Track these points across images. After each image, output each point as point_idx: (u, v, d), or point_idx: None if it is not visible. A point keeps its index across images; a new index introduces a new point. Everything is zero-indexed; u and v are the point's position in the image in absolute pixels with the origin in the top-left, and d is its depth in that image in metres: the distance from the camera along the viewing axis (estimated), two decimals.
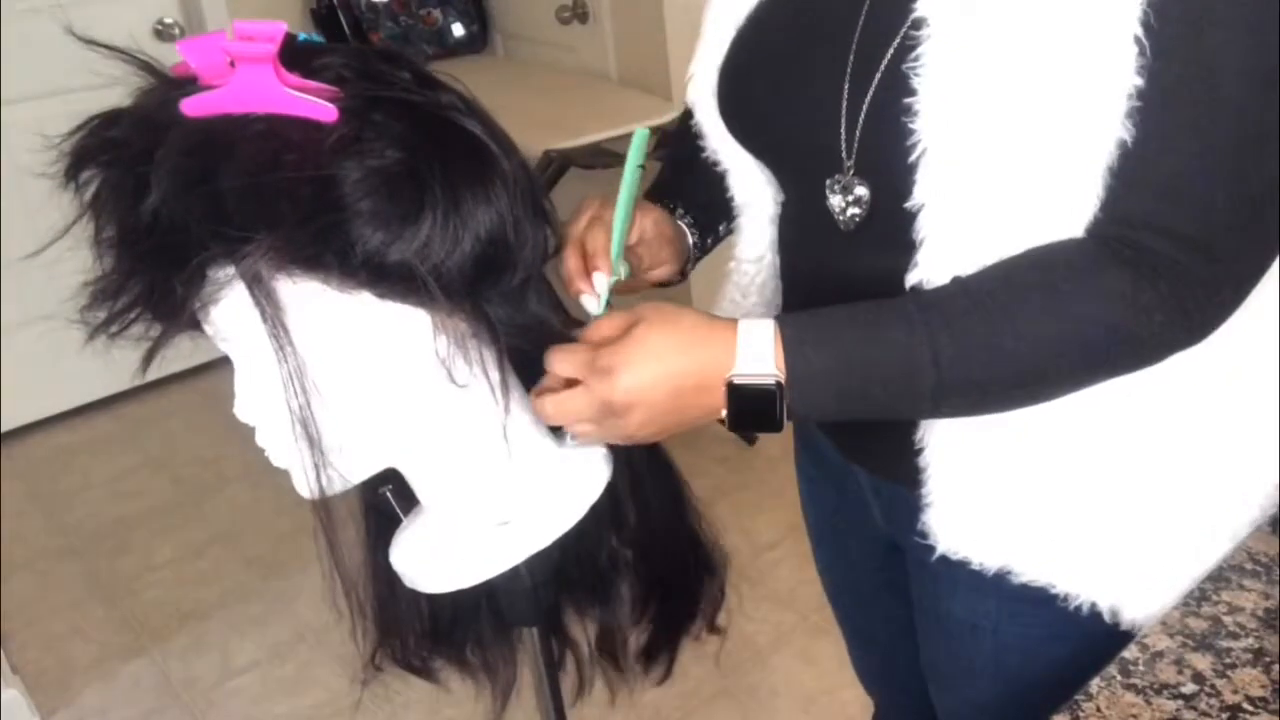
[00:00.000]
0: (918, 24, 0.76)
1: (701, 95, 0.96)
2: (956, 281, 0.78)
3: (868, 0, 0.83)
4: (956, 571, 0.91)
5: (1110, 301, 0.74)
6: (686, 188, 1.03)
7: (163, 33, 3.09)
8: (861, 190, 0.83)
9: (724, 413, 0.78)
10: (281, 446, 0.75)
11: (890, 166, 0.78)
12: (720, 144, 0.98)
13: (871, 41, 0.81)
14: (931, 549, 0.91)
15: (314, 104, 0.67)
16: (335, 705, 2.19)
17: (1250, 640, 0.84)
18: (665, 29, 2.69)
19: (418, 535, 0.86)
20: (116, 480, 2.98)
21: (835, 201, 0.85)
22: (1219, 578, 0.90)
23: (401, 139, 0.68)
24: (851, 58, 0.82)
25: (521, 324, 0.77)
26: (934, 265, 0.78)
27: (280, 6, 3.37)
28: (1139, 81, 0.70)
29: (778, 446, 2.63)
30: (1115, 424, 0.83)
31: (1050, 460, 0.84)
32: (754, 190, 0.99)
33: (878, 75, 0.80)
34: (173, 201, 0.65)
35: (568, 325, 0.80)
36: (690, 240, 1.01)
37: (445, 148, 0.70)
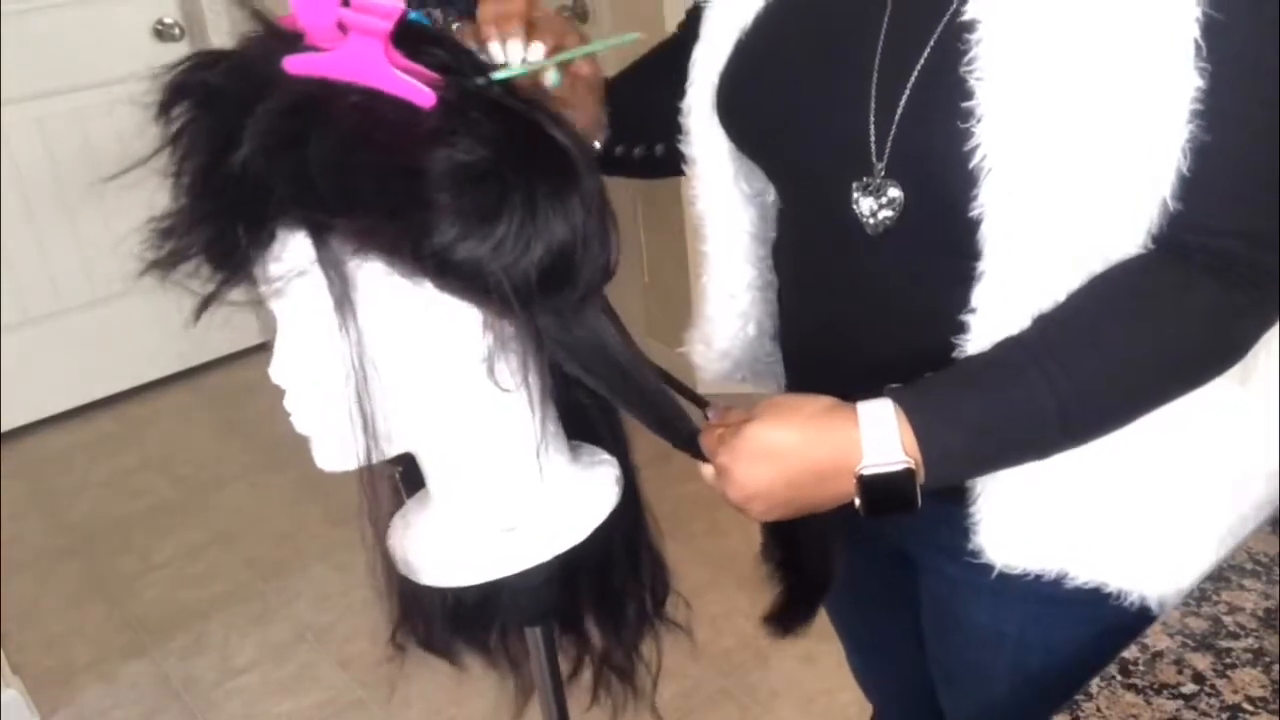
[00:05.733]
0: (968, 26, 0.75)
1: (698, 102, 0.94)
2: (1052, 318, 0.78)
3: (888, 17, 0.81)
4: (979, 579, 0.90)
5: (1206, 315, 0.77)
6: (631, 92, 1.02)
7: (163, 33, 3.08)
8: (895, 192, 0.81)
9: (857, 501, 0.79)
10: (308, 412, 0.76)
11: (934, 169, 0.78)
12: (708, 153, 0.95)
13: (901, 41, 0.80)
14: (963, 561, 0.90)
15: (416, 87, 0.67)
16: (335, 705, 2.19)
17: (1250, 640, 0.84)
18: (665, 29, 2.69)
19: (421, 525, 0.86)
20: (116, 480, 2.98)
21: (865, 205, 0.83)
22: (1219, 578, 0.90)
23: (492, 139, 0.68)
24: (878, 58, 0.81)
25: (569, 341, 0.77)
26: (1001, 272, 0.78)
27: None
28: (1199, 82, 0.70)
29: None
30: (1147, 419, 0.83)
31: (1088, 461, 0.84)
32: (728, 206, 0.96)
33: (913, 75, 0.79)
34: (262, 160, 0.65)
35: (629, 348, 0.80)
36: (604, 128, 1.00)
37: (533, 155, 0.70)
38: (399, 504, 0.89)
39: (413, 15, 0.71)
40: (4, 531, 2.72)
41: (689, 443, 0.84)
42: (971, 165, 0.75)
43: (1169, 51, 0.70)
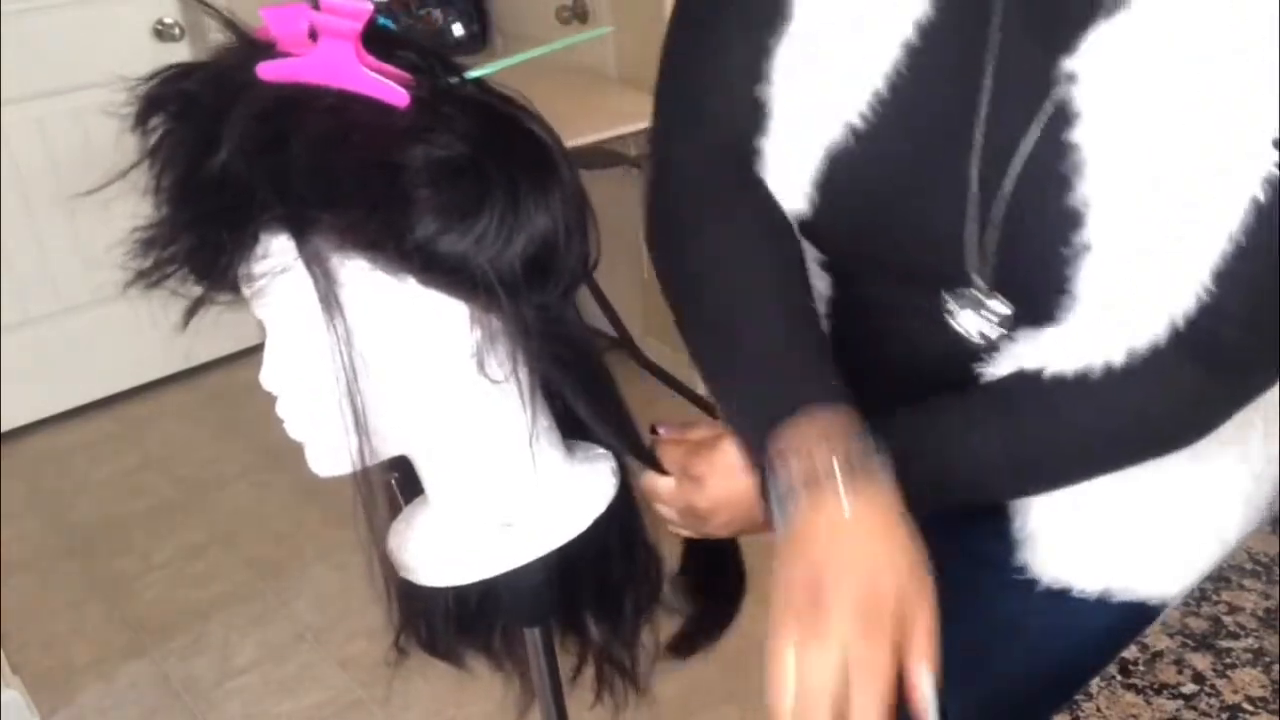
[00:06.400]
0: (1065, 149, 0.71)
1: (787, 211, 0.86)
2: (1020, 374, 0.77)
3: (985, 110, 0.75)
4: (1002, 577, 0.90)
5: (1181, 399, 0.76)
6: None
7: (163, 33, 3.08)
8: (1004, 310, 0.78)
9: None
10: (301, 418, 0.76)
11: (1036, 290, 0.75)
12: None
13: (998, 153, 0.75)
14: (995, 566, 0.90)
15: (389, 87, 0.67)
16: (335, 705, 2.19)
17: (1250, 640, 0.84)
18: (665, 27, 2.69)
19: (419, 526, 0.86)
20: (116, 480, 2.98)
21: (967, 319, 0.80)
22: (1219, 578, 0.90)
23: (469, 134, 0.68)
24: (975, 171, 0.76)
25: (552, 333, 0.77)
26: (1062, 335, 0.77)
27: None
28: (1259, 193, 0.68)
29: None
30: None
31: (1126, 479, 0.82)
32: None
33: (1010, 188, 0.74)
34: (240, 163, 0.65)
35: (605, 340, 0.81)
36: None
37: (511, 148, 0.71)
38: (396, 510, 0.89)
39: (381, 21, 0.71)
40: (4, 531, 2.72)
41: (645, 451, 0.85)
42: (1070, 288, 0.73)
43: (1249, 156, 0.67)
